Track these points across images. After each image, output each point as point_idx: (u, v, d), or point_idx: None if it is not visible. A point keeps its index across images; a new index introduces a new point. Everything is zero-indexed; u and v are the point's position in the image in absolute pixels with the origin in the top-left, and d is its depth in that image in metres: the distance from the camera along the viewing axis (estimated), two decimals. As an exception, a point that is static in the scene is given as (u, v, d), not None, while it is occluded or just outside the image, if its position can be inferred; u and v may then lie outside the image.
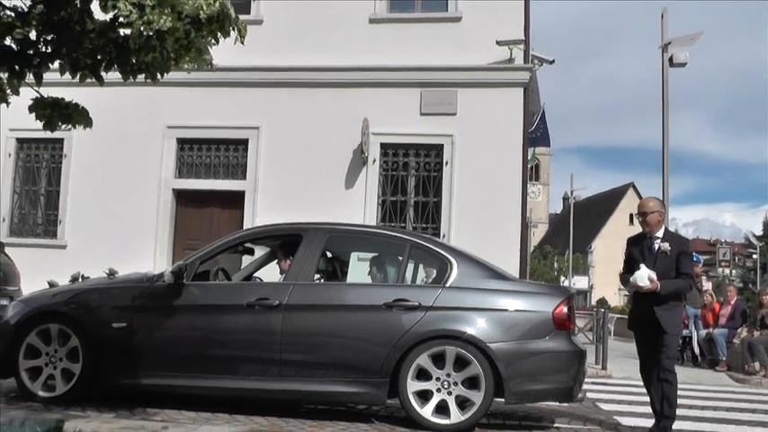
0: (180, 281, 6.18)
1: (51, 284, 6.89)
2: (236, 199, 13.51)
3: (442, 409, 5.82)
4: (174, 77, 12.56)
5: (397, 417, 6.34)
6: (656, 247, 6.26)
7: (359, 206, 13.30)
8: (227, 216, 13.57)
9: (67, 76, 5.11)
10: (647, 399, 8.56)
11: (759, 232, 66.82)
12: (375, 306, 5.99)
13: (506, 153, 13.37)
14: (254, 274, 7.34)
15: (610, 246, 60.07)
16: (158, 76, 5.06)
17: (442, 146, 13.58)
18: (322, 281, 6.61)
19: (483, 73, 13.61)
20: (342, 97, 13.54)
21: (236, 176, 13.69)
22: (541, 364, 5.91)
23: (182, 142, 13.79)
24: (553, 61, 15.57)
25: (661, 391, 6.22)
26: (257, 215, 13.25)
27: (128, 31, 4.75)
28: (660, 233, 6.35)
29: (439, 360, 5.86)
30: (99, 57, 4.92)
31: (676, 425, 6.82)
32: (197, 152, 13.80)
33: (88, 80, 5.23)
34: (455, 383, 5.82)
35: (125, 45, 4.81)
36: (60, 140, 13.80)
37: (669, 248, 6.23)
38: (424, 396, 5.86)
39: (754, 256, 55.86)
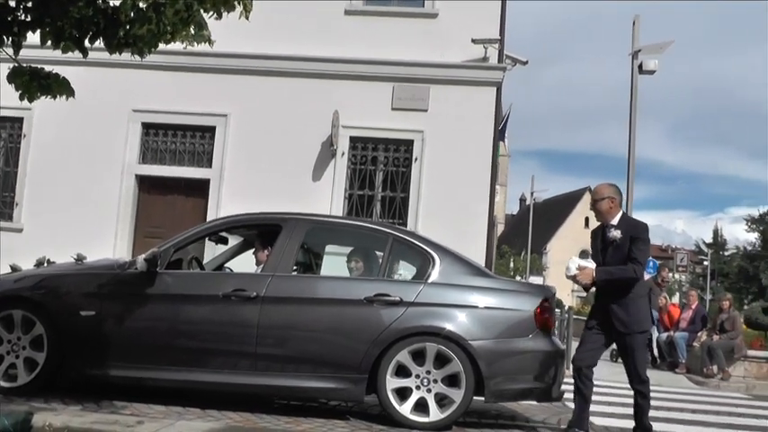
0: (153, 269, 5.91)
1: (14, 269, 6.59)
2: (200, 187, 13.20)
3: (420, 406, 5.68)
4: (140, 60, 12.42)
5: (372, 414, 6.21)
6: (609, 236, 5.84)
7: (325, 199, 13.12)
8: (191, 204, 13.26)
9: (44, 47, 4.82)
10: (616, 399, 8.73)
11: (709, 240, 68.34)
12: (355, 300, 5.82)
13: (476, 151, 13.30)
14: (225, 265, 7.11)
15: (565, 248, 60.64)
16: (145, 51, 4.77)
17: (412, 141, 13.46)
18: (299, 273, 6.41)
19: (457, 70, 13.52)
20: (313, 88, 13.32)
21: (202, 164, 13.38)
22: (522, 363, 5.80)
23: (147, 127, 13.41)
24: (527, 62, 15.59)
25: (635, 404, 5.92)
26: (222, 204, 12.97)
27: (118, 2, 4.46)
28: (615, 220, 5.86)
29: (419, 357, 5.71)
30: (85, 27, 4.60)
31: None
32: (162, 138, 13.44)
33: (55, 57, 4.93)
34: (435, 381, 5.68)
35: (115, 16, 4.51)
36: (20, 120, 13.33)
37: (620, 236, 5.77)
38: (403, 393, 5.71)
39: (705, 263, 56.94)
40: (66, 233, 12.26)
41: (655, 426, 6.80)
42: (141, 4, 4.36)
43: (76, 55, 4.92)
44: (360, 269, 6.31)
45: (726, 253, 67.54)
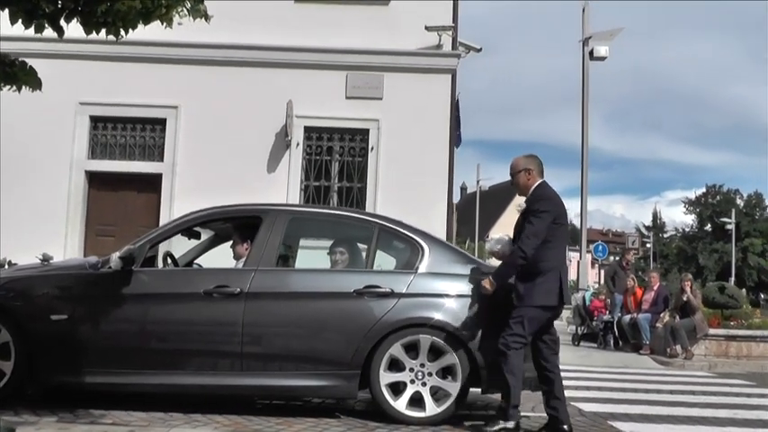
0: (128, 267, 5.56)
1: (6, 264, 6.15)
2: (152, 182, 12.77)
3: (416, 401, 5.48)
4: (88, 50, 11.93)
5: (362, 410, 6.01)
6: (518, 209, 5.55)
7: (281, 191, 12.84)
8: (143, 200, 12.82)
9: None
10: (592, 383, 8.75)
11: (648, 223, 69.91)
12: (345, 293, 5.57)
13: (433, 139, 13.22)
14: (195, 261, 6.79)
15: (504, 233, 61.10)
16: (123, 32, 4.42)
17: (367, 130, 13.31)
18: (283, 266, 6.12)
19: (411, 58, 13.40)
20: (266, 78, 13.03)
21: (153, 158, 12.94)
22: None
23: (95, 120, 12.89)
24: (480, 49, 15.50)
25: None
26: (175, 199, 12.59)
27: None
28: (530, 192, 5.50)
29: (412, 350, 5.50)
30: (61, 4, 4.22)
31: (617, 407, 6.81)
32: (111, 131, 12.95)
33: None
34: (430, 374, 5.48)
35: None
36: (-42, 114, 12.68)
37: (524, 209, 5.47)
38: (397, 388, 5.51)
39: (648, 245, 58.22)
40: (12, 233, 11.62)
41: (626, 407, 6.85)
42: None
43: (23, 46, 4.57)
44: (345, 261, 6.06)
45: (665, 235, 69.22)
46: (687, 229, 67.11)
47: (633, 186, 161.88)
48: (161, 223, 12.49)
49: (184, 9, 4.39)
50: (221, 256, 6.87)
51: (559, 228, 5.36)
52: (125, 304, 5.59)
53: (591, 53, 16.89)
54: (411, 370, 5.50)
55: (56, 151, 12.56)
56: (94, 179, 12.82)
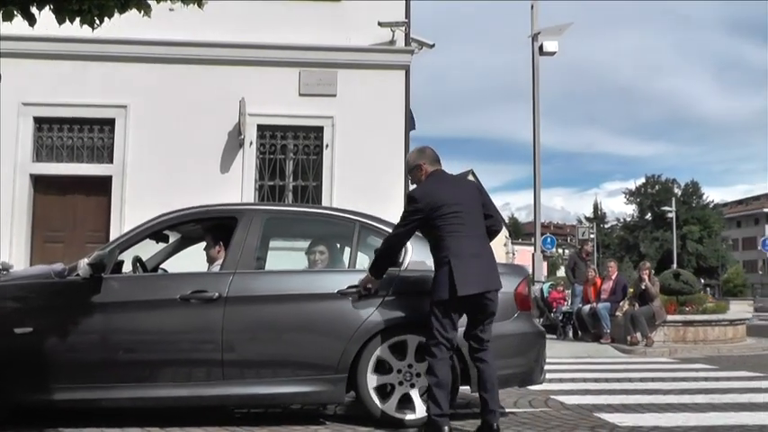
0: (98, 274, 5.25)
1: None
2: (102, 185, 12.31)
3: (404, 402, 5.33)
4: (31, 48, 11.44)
5: (342, 414, 5.86)
6: None
7: (235, 191, 12.58)
8: (92, 204, 12.38)
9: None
10: (564, 375, 8.74)
11: (589, 214, 71.24)
12: (328, 294, 5.36)
13: (388, 135, 13.11)
14: (161, 266, 6.51)
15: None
16: (98, 22, 4.15)
17: (322, 128, 13.13)
18: (262, 268, 5.88)
19: (364, 54, 13.28)
20: (217, 75, 12.75)
21: (102, 160, 12.48)
22: (507, 347, 5.49)
23: (40, 122, 12.36)
24: (433, 45, 15.41)
25: None
26: (126, 202, 12.20)
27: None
28: None
29: (399, 350, 5.34)
30: None
31: (597, 398, 6.78)
32: (57, 133, 12.44)
33: None
34: (418, 375, 5.31)
35: None
36: None
37: None
38: (385, 390, 5.34)
39: (592, 236, 59.14)
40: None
41: (606, 398, 6.82)
42: None
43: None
44: (325, 260, 5.87)
45: (606, 226, 70.64)
46: (628, 219, 68.65)
47: (572, 179, 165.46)
48: (112, 228, 12.17)
49: None
50: (187, 260, 6.67)
51: (447, 218, 5.07)
52: (96, 314, 5.26)
53: (540, 48, 16.95)
54: (399, 371, 5.34)
55: (-2, 155, 12.01)
56: (40, 183, 12.32)
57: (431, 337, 5.00)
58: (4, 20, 4.06)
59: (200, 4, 4.48)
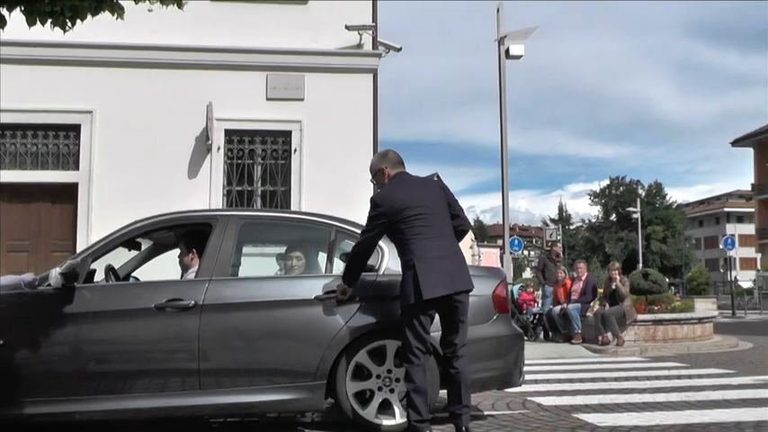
0: (71, 284, 5.13)
1: None
2: (68, 192, 12.07)
3: (384, 408, 5.27)
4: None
5: (320, 422, 5.80)
6: None
7: (203, 197, 12.45)
8: (57, 212, 12.14)
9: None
10: (538, 376, 8.74)
11: (554, 215, 71.82)
12: (305, 300, 5.28)
13: (357, 139, 13.08)
14: (132, 274, 6.39)
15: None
16: (70, 24, 4.03)
17: (289, 132, 13.05)
18: (238, 275, 5.79)
19: (331, 58, 13.23)
20: (184, 80, 12.60)
21: (68, 167, 12.25)
22: (486, 350, 5.50)
23: (3, 128, 12.05)
24: (400, 49, 15.41)
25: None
26: (93, 209, 12.00)
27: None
28: None
29: (378, 356, 5.30)
30: None
31: (574, 399, 6.79)
32: (21, 140, 12.17)
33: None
34: (397, 380, 5.26)
35: None
36: None
37: None
38: (364, 396, 5.29)
39: (558, 237, 59.54)
40: None
41: (582, 398, 6.84)
42: None
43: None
44: (302, 266, 5.80)
45: (571, 227, 71.27)
46: (593, 220, 69.39)
47: (536, 181, 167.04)
48: (79, 235, 11.97)
49: None
50: (158, 267, 6.57)
51: (410, 221, 5.02)
52: (69, 325, 5.13)
53: (507, 52, 17.03)
54: (378, 377, 5.29)
55: (-40, 163, 11.76)
56: (4, 191, 12.03)
57: (404, 343, 4.96)
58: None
59: (179, 5, 4.39)
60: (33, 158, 12.21)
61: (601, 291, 14.03)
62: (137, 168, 12.21)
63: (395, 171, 5.32)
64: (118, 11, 4.15)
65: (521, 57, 17.21)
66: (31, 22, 4.05)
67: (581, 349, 12.64)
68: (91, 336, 5.18)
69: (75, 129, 12.25)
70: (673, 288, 48.15)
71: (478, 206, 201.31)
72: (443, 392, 5.47)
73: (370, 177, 5.56)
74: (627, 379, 8.57)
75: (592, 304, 13.54)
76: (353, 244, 5.38)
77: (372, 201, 5.20)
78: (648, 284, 13.98)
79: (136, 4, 4.16)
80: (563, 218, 71.91)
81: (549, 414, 6.13)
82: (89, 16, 4.07)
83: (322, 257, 5.92)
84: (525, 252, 70.43)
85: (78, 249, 11.75)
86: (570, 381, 8.52)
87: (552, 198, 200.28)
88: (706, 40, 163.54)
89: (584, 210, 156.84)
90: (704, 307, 22.41)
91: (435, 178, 5.60)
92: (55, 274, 5.11)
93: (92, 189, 12.12)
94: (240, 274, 5.83)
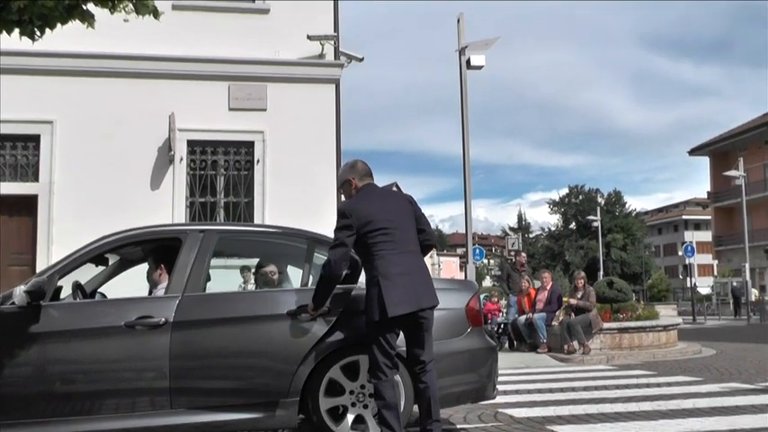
0: (37, 302, 4.93)
1: None
2: (27, 204, 11.81)
3: (358, 424, 5.16)
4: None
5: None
6: None
7: (166, 208, 12.32)
8: (15, 225, 11.86)
9: None
10: (507, 387, 8.69)
11: (513, 224, 72.25)
12: (278, 315, 5.14)
13: (320, 150, 13.09)
14: (98, 290, 6.21)
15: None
16: (38, 33, 3.89)
17: (252, 143, 13.01)
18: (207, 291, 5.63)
19: (293, 68, 13.22)
20: (145, 89, 12.47)
21: (27, 178, 11.99)
22: (460, 363, 5.41)
23: (-42, 140, 11.84)
24: (362, 59, 15.38)
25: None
26: (54, 222, 11.76)
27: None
28: None
29: (352, 371, 5.19)
30: None
31: (545, 410, 6.76)
32: (-23, 151, 11.93)
33: None
34: (370, 395, 5.13)
35: None
36: None
37: None
38: (337, 412, 5.17)
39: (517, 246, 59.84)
40: None
41: (554, 409, 6.81)
42: None
43: None
44: (276, 281, 5.68)
45: (530, 235, 71.75)
46: (553, 229, 69.94)
47: (495, 190, 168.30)
48: (39, 249, 11.70)
49: (129, 4, 3.93)
50: (124, 282, 6.40)
51: (375, 235, 4.89)
52: (35, 344, 4.94)
53: (468, 62, 17.02)
54: (351, 392, 5.17)
55: None
56: (-41, 204, 11.76)
57: (371, 360, 4.86)
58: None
59: (156, 16, 4.27)
60: (-10, 170, 11.91)
61: (566, 299, 14.05)
62: (98, 179, 12.03)
63: (362, 183, 5.20)
64: (88, 19, 4.03)
65: (482, 67, 17.17)
66: (-1, 32, 3.91)
67: (547, 358, 12.63)
68: (58, 355, 4.99)
69: (35, 139, 12.03)
70: (634, 295, 48.75)
71: (437, 215, 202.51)
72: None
73: (338, 187, 5.42)
74: (596, 388, 8.56)
75: (557, 313, 13.56)
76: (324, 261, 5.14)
77: (340, 211, 5.04)
78: (613, 293, 14.07)
79: (111, 14, 4.03)
80: (522, 226, 72.40)
81: (522, 426, 6.08)
82: (59, 25, 3.92)
83: (295, 272, 5.80)
84: (485, 260, 70.67)
85: (38, 263, 11.51)
86: (540, 391, 8.48)
87: (511, 207, 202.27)
88: (661, 51, 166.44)
89: (544, 218, 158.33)
90: (665, 313, 22.64)
91: (395, 188, 5.50)
92: (19, 292, 4.91)
93: (52, 201, 11.90)
94: (209, 289, 5.67)
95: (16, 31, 3.91)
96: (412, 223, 5.11)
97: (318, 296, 5.05)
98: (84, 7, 3.87)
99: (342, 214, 4.98)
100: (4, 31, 3.90)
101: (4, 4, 3.69)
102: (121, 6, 4.00)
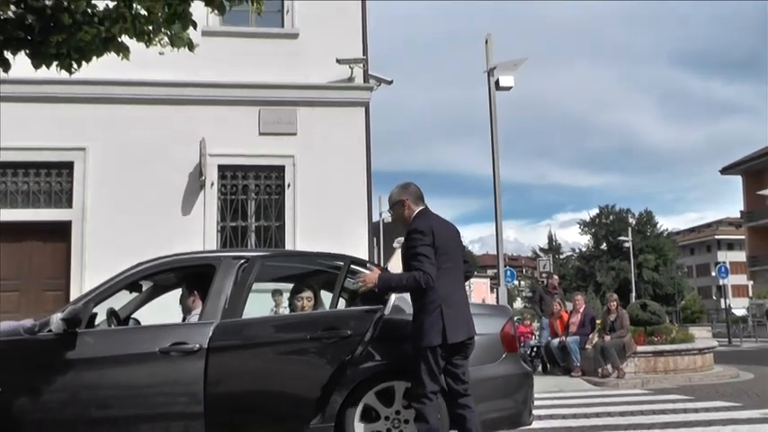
0: (72, 329, 4.99)
1: None
2: (61, 231, 11.94)
3: (393, 449, 5.12)
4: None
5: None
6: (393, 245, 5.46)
7: (197, 233, 12.36)
8: (50, 251, 11.99)
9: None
10: (542, 411, 8.56)
11: (543, 245, 71.77)
12: (313, 340, 5.12)
13: (350, 173, 13.06)
14: (132, 316, 6.25)
15: (400, 266, 61.32)
16: (75, 66, 3.94)
17: (283, 167, 13.01)
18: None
19: (323, 91, 13.27)
20: (176, 115, 12.58)
21: (61, 205, 12.13)
22: (495, 389, 5.39)
23: (-5, 167, 12.01)
24: (391, 81, 15.43)
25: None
26: (87, 247, 11.86)
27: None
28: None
29: (387, 397, 5.15)
30: (10, 33, 3.69)
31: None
32: (12, 178, 12.05)
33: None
34: (406, 421, 5.11)
35: (54, 19, 3.61)
36: None
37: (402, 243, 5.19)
38: (372, 439, 5.13)
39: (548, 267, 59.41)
40: None
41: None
42: (105, 2, 3.53)
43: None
44: (311, 307, 5.67)
45: (561, 256, 71.21)
46: (583, 249, 69.38)
47: (525, 211, 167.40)
48: (72, 274, 11.80)
49: (165, 37, 3.98)
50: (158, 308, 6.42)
51: (442, 260, 4.97)
52: (71, 371, 4.99)
53: (497, 83, 17.02)
54: (387, 418, 5.14)
55: (-49, 202, 11.58)
56: (-6, 230, 11.91)
57: (418, 384, 4.86)
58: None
59: (191, 48, 4.31)
60: (25, 197, 12.09)
61: (598, 322, 13.89)
62: (130, 205, 12.11)
63: (416, 205, 5.25)
64: (124, 51, 4.08)
65: (510, 88, 17.16)
66: (36, 65, 3.97)
67: (581, 382, 12.48)
68: (94, 381, 5.04)
69: (69, 166, 12.16)
70: (667, 317, 48.17)
71: (466, 236, 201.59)
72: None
73: (389, 206, 5.42)
74: (632, 413, 8.43)
75: (591, 336, 13.40)
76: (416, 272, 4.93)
77: (418, 230, 5.01)
78: (647, 315, 13.89)
79: (147, 47, 4.08)
80: (553, 247, 71.91)
81: (562, 453, 5.98)
82: (94, 57, 3.98)
83: (327, 296, 5.79)
84: (516, 282, 70.24)
85: (72, 288, 11.61)
86: (575, 416, 8.37)
87: (541, 227, 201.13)
88: (690, 68, 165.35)
89: (574, 239, 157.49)
90: (699, 335, 22.31)
91: (425, 207, 5.46)
92: (56, 319, 4.97)
93: (85, 227, 12.00)
94: (244, 315, 5.67)
95: (54, 63, 3.96)
96: (461, 253, 5.26)
97: (395, 287, 5.05)
98: (120, 39, 3.92)
99: (423, 232, 5.01)
100: (44, 65, 3.95)
101: (43, 38, 3.74)
102: (157, 40, 4.04)
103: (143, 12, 3.80)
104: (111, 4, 3.77)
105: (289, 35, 13.35)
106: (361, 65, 13.36)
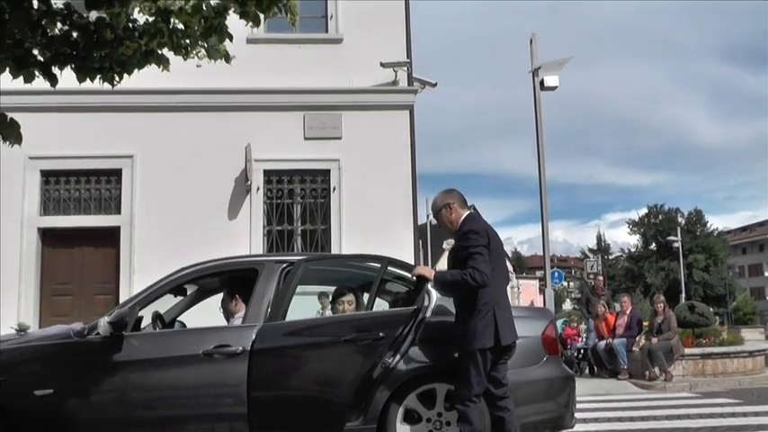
0: (119, 332, 5.14)
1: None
2: (110, 236, 12.24)
3: (435, 451, 5.15)
4: (35, 101, 11.36)
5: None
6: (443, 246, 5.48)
7: (244, 238, 12.51)
8: (100, 256, 12.28)
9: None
10: (588, 414, 8.52)
11: (592, 245, 71.07)
12: (355, 341, 5.17)
13: (395, 176, 13.07)
14: (178, 319, 6.39)
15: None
16: (117, 79, 4.09)
17: (328, 171, 13.09)
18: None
19: (367, 95, 13.30)
20: (221, 122, 12.75)
21: (110, 211, 12.42)
22: (537, 392, 5.39)
23: (46, 175, 12.34)
24: (435, 84, 15.37)
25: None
26: (135, 252, 12.12)
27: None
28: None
29: (428, 399, 5.19)
30: (56, 49, 3.83)
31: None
32: (64, 185, 12.41)
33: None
34: (447, 423, 5.14)
35: (96, 34, 3.76)
36: None
37: (452, 245, 5.29)
38: (414, 441, 5.17)
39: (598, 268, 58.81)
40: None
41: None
42: (145, 17, 3.66)
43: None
44: (352, 310, 5.74)
45: (610, 257, 70.46)
46: (632, 250, 68.55)
47: (573, 211, 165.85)
48: (121, 279, 12.07)
49: (202, 49, 4.10)
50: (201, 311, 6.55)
51: (494, 263, 5.05)
52: (118, 373, 5.16)
53: (542, 83, 16.95)
54: (428, 420, 5.18)
55: (6, 209, 11.85)
56: (48, 236, 12.23)
57: (465, 386, 4.91)
58: (25, 81, 4.03)
59: (227, 60, 4.42)
60: (76, 204, 12.40)
61: (646, 323, 13.72)
62: (177, 211, 12.33)
63: (463, 210, 5.32)
64: (164, 63, 4.20)
65: (555, 88, 17.07)
66: (81, 79, 4.13)
67: (628, 385, 12.34)
68: (140, 383, 5.19)
69: (117, 173, 12.44)
70: (717, 318, 47.33)
71: (516, 237, 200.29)
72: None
73: (432, 213, 5.47)
74: (679, 417, 8.33)
75: (638, 339, 13.24)
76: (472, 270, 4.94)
77: (474, 230, 5.07)
78: (695, 317, 13.69)
79: (185, 60, 4.20)
80: (602, 248, 71.16)
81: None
82: (136, 70, 4.11)
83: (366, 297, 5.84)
84: (564, 283, 69.69)
85: (121, 292, 11.87)
86: (620, 419, 8.30)
87: (589, 228, 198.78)
88: (739, 63, 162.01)
89: (623, 239, 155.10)
90: (751, 337, 21.90)
91: (472, 210, 5.52)
92: (103, 322, 5.14)
93: (133, 232, 12.25)
94: (290, 317, 5.76)
95: (97, 76, 4.11)
96: (505, 257, 5.24)
97: (451, 280, 5.06)
98: (160, 52, 4.04)
99: (479, 233, 5.08)
100: (88, 78, 4.09)
101: (86, 53, 3.88)
102: (194, 53, 4.15)
103: (180, 26, 3.91)
104: (151, 20, 3.88)
105: (333, 40, 13.43)
106: (405, 68, 13.38)
